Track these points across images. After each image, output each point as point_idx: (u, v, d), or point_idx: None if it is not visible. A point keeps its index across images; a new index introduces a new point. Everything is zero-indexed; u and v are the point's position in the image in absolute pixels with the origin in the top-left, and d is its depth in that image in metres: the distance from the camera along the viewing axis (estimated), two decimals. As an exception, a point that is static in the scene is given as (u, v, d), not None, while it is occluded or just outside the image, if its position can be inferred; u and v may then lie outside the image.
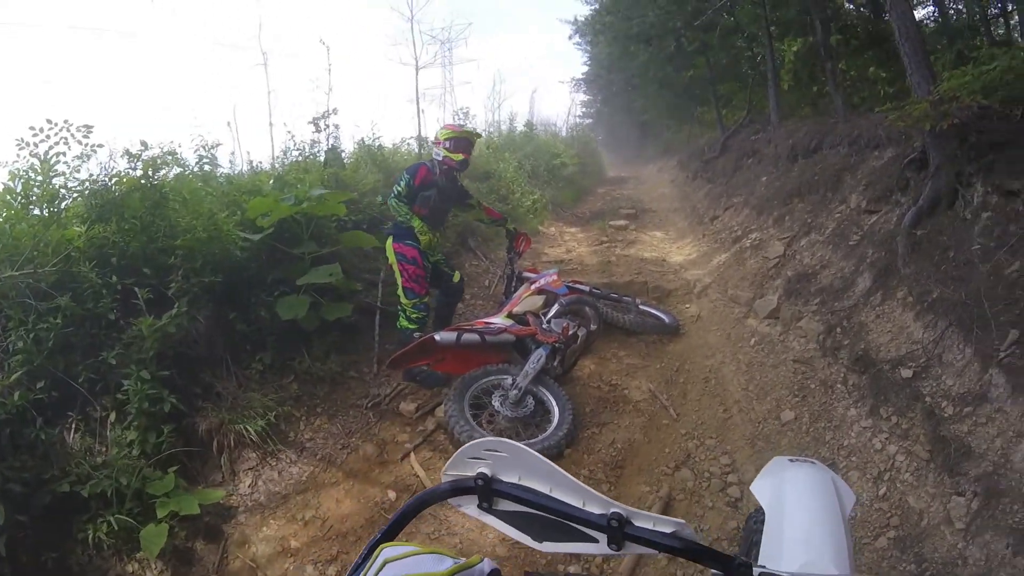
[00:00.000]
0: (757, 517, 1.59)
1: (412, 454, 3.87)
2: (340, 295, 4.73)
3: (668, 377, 4.58)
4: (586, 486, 0.81)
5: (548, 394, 4.01)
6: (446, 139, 4.62)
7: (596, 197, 13.90)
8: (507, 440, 0.84)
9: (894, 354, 3.55)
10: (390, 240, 4.59)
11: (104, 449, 3.36)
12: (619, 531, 0.76)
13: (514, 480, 0.83)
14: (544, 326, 4.40)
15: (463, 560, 0.70)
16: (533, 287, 4.91)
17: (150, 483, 3.25)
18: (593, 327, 4.65)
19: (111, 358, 3.48)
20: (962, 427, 2.87)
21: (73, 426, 3.38)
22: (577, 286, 5.35)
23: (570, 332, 4.35)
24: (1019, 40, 7.41)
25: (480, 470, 0.83)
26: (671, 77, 13.95)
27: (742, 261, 6.35)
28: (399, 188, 4.51)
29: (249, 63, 12.93)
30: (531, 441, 3.66)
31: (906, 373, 3.35)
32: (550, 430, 3.78)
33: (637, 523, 0.77)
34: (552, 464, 0.82)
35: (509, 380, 3.99)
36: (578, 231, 9.87)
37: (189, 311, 3.78)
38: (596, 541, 0.79)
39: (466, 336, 4.13)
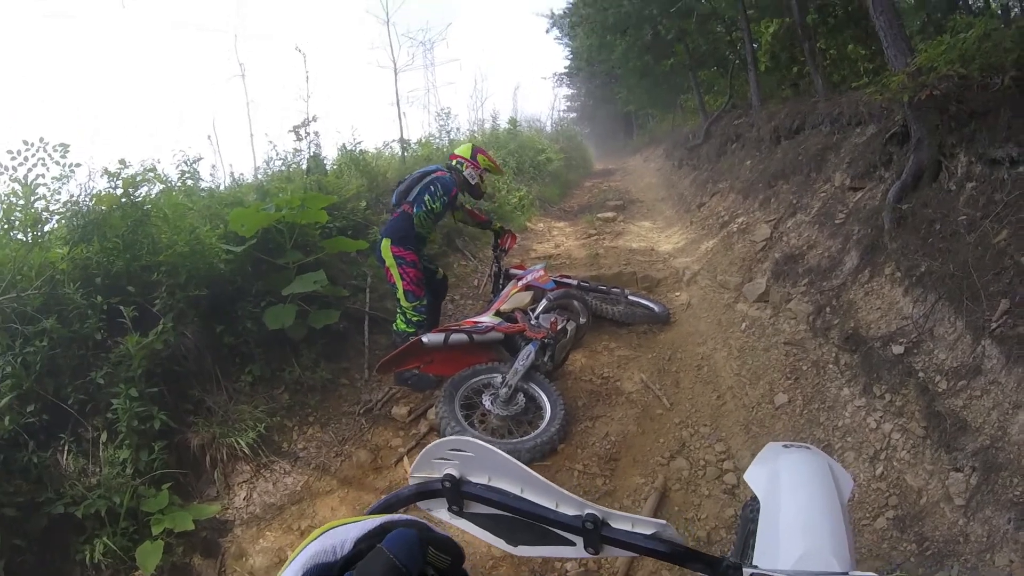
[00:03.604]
0: (752, 506, 1.53)
1: (405, 458, 3.84)
2: (327, 302, 4.67)
3: (660, 367, 4.53)
4: (559, 487, 0.76)
5: (539, 390, 3.96)
6: (486, 167, 4.86)
7: (583, 190, 13.88)
8: (472, 439, 0.78)
9: (884, 331, 3.51)
10: (388, 242, 4.46)
11: (97, 469, 3.34)
12: (595, 533, 0.71)
13: (483, 481, 0.77)
14: (532, 322, 4.36)
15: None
16: (520, 284, 4.85)
17: (144, 501, 3.25)
18: (582, 320, 4.61)
19: (99, 378, 3.46)
20: (957, 401, 2.82)
21: (66, 448, 3.36)
22: (565, 280, 5.32)
23: (559, 327, 4.30)
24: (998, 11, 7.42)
25: (447, 471, 0.77)
26: (651, 66, 13.86)
27: (730, 246, 6.31)
28: (434, 206, 4.50)
29: (227, 75, 12.78)
30: (524, 439, 3.62)
31: (897, 349, 3.31)
32: (542, 427, 3.73)
33: (615, 524, 0.72)
34: (521, 465, 0.77)
35: (499, 378, 3.94)
36: (566, 225, 9.82)
37: (175, 327, 3.78)
38: (573, 544, 0.74)
39: (454, 336, 4.08)
